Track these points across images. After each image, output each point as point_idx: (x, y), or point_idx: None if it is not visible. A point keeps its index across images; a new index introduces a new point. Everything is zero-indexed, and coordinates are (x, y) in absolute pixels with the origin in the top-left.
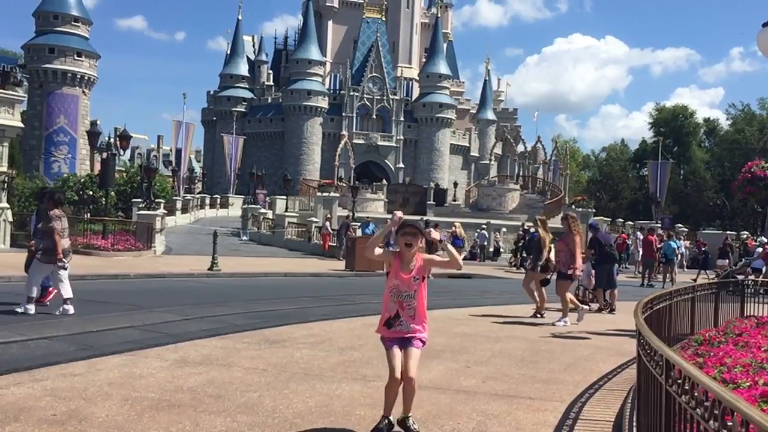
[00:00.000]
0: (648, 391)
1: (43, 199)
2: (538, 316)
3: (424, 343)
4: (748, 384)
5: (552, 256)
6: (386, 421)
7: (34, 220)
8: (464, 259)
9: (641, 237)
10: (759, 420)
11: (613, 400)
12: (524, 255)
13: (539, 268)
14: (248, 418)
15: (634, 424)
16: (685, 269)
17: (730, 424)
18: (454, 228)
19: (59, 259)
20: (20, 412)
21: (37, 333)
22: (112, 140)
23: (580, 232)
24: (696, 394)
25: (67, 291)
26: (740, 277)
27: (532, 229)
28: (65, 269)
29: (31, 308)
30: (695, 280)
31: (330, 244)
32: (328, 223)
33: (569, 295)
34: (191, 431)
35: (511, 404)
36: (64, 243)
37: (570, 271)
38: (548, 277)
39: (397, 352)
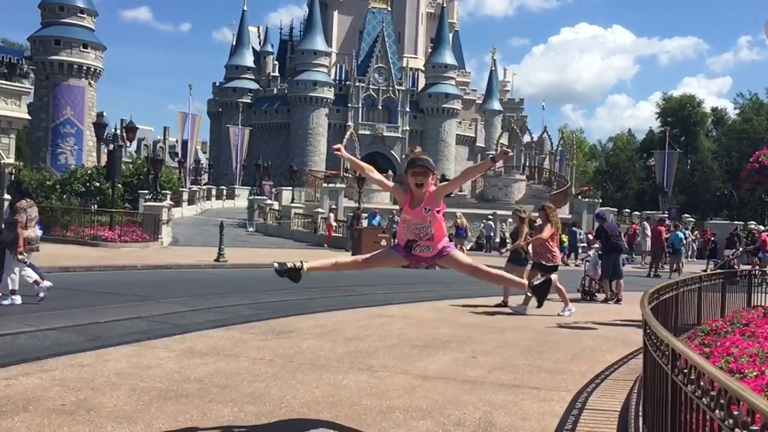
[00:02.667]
0: (654, 381)
1: (10, 190)
2: (502, 305)
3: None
4: (755, 374)
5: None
6: (301, 265)
7: (7, 212)
8: (470, 249)
9: (648, 227)
10: (765, 409)
11: (619, 390)
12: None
13: (509, 257)
14: (255, 408)
15: (640, 413)
16: (689, 258)
17: (736, 413)
18: (456, 218)
19: (19, 252)
20: (29, 402)
21: (45, 324)
22: (118, 132)
23: (557, 222)
24: (702, 383)
25: (14, 283)
26: (746, 267)
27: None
28: (25, 263)
29: (17, 299)
30: (705, 271)
31: (334, 234)
32: (332, 215)
33: (560, 286)
34: (199, 421)
35: (517, 394)
36: (31, 233)
37: (543, 261)
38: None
39: (398, 258)
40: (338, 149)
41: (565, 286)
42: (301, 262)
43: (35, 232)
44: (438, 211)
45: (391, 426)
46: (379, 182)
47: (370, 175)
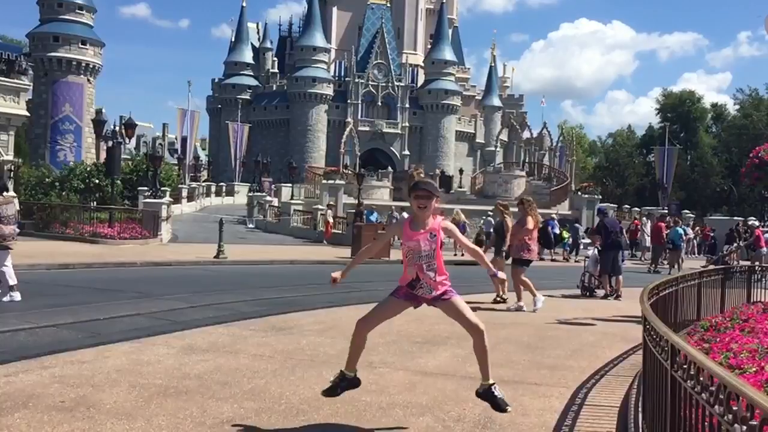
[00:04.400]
0: (653, 377)
1: None
2: (499, 300)
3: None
4: (754, 369)
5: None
6: (341, 374)
7: None
8: None
9: (648, 223)
10: (764, 404)
11: (618, 386)
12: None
13: (503, 253)
14: (255, 404)
15: (640, 409)
16: (689, 254)
17: (735, 408)
18: (454, 214)
19: None
20: (29, 399)
21: (44, 321)
22: (117, 128)
23: (536, 216)
24: (702, 379)
25: (13, 279)
26: (746, 262)
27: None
28: None
29: (17, 295)
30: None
31: (333, 231)
32: (330, 211)
33: (525, 279)
34: (198, 417)
35: (517, 390)
36: (6, 229)
37: (516, 255)
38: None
39: (399, 304)
40: (334, 280)
41: (565, 283)
42: (343, 372)
43: (10, 228)
44: (440, 243)
45: (391, 422)
46: (384, 240)
47: (375, 248)
